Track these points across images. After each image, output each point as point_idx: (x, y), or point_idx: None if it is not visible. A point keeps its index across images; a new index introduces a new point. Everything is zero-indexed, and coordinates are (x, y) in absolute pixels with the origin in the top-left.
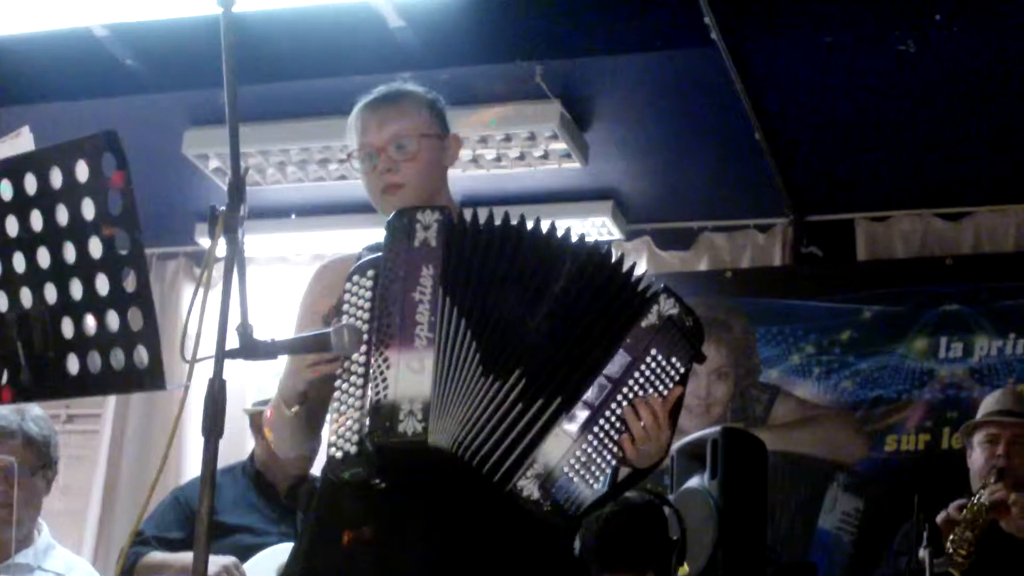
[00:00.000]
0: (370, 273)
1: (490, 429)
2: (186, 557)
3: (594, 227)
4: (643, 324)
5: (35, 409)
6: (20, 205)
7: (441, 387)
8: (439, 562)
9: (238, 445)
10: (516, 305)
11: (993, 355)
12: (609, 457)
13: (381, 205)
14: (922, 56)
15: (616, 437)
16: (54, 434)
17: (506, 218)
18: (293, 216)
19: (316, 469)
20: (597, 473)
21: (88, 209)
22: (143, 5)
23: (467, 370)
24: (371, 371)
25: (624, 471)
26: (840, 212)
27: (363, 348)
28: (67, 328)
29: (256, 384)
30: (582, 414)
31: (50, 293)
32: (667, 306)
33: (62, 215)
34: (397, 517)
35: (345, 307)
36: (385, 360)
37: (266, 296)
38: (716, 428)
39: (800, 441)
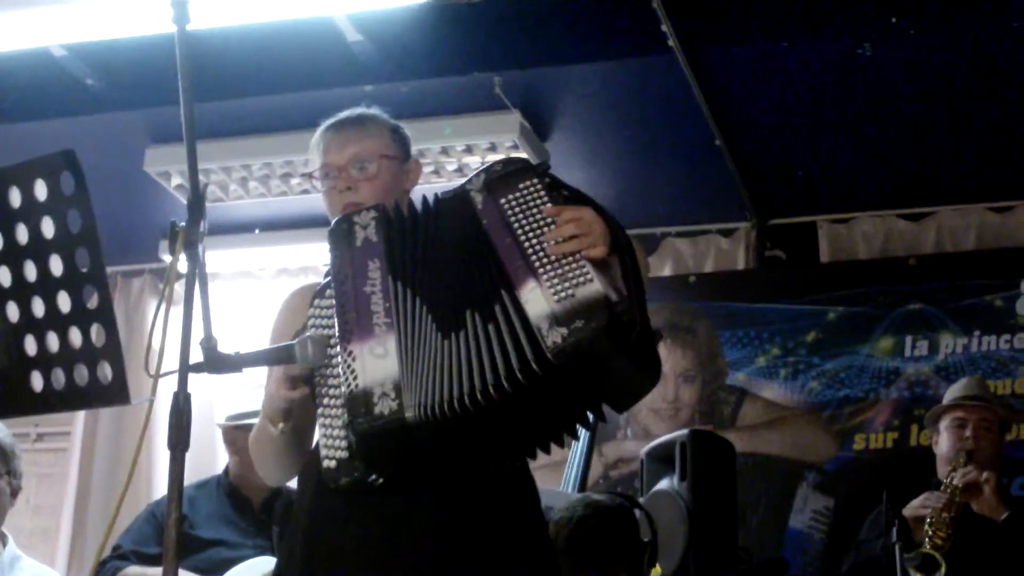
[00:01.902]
0: (328, 293)
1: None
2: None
3: None
4: (480, 207)
5: None
6: None
7: (408, 364)
8: (442, 557)
9: (208, 459)
10: (440, 266)
11: (958, 353)
12: (571, 262)
13: None
14: (879, 59)
15: (555, 248)
16: (15, 444)
17: (436, 195)
18: (257, 231)
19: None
20: (579, 273)
21: (48, 228)
22: (101, 24)
23: (428, 340)
24: (341, 370)
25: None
26: (802, 215)
27: (333, 358)
28: (30, 346)
29: (229, 399)
30: (524, 271)
31: (12, 311)
32: (478, 180)
33: (22, 234)
34: (394, 518)
35: (311, 330)
36: (350, 354)
37: (232, 311)
38: (684, 431)
39: (769, 442)
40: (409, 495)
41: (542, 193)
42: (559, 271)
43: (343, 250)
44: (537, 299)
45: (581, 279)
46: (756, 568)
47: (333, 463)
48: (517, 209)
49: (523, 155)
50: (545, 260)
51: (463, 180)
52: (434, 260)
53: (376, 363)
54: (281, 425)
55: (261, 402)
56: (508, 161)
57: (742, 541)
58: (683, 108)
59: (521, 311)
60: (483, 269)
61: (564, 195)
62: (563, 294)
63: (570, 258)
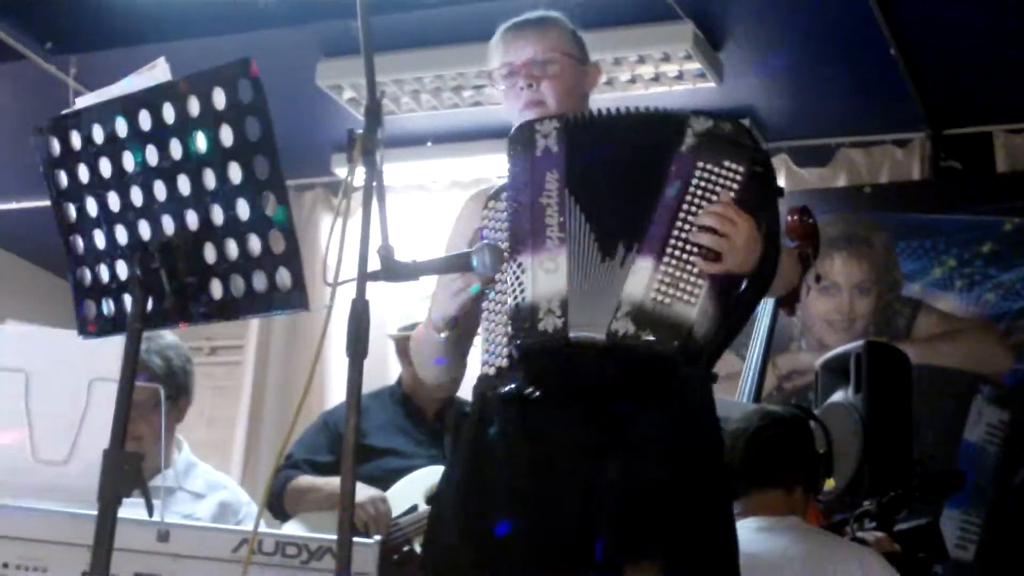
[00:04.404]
0: (503, 196)
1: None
2: (335, 482)
3: None
4: (682, 149)
5: (168, 337)
6: (159, 134)
7: (576, 282)
8: (595, 470)
9: (381, 369)
10: (613, 187)
11: None
12: (694, 270)
13: (520, 121)
14: None
15: (694, 251)
16: (188, 362)
17: (619, 110)
18: (429, 144)
19: (463, 391)
20: (690, 288)
21: (227, 136)
22: None
23: (592, 260)
24: (509, 280)
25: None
26: (978, 125)
27: (505, 266)
28: (209, 253)
29: (401, 310)
30: (653, 245)
31: (191, 219)
32: (699, 124)
33: (201, 142)
34: (551, 434)
35: (484, 232)
36: (520, 266)
37: (405, 224)
38: (859, 342)
39: (944, 354)
40: (569, 409)
41: (736, 186)
42: (678, 271)
43: (522, 158)
44: (641, 279)
45: (686, 295)
46: (933, 479)
47: (492, 370)
48: (704, 183)
49: (697, 65)
50: (678, 249)
51: (645, 91)
52: (609, 171)
53: (546, 278)
54: (445, 333)
55: (428, 308)
56: (739, 130)
57: (916, 453)
58: (857, 17)
59: (624, 276)
60: (638, 207)
61: (753, 200)
62: (661, 296)
63: (696, 266)
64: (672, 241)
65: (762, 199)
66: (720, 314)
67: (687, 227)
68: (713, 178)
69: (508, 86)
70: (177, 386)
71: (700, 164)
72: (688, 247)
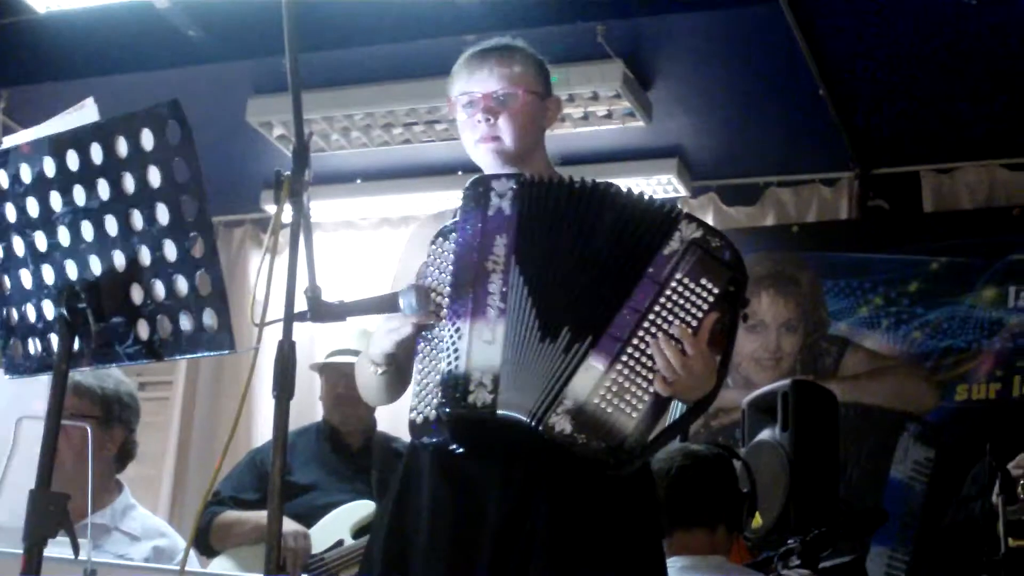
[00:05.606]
0: (452, 236)
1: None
2: (259, 515)
3: (659, 185)
4: (664, 251)
5: (114, 369)
6: (87, 175)
7: (509, 357)
8: (514, 527)
9: (308, 406)
10: (569, 267)
11: None
12: (643, 383)
13: (474, 154)
14: (984, 6)
15: (648, 364)
16: (127, 395)
17: (584, 185)
18: (358, 181)
19: (383, 424)
20: (634, 401)
21: (154, 177)
22: None
23: (529, 338)
24: (445, 342)
25: (680, 407)
26: (905, 165)
27: (444, 314)
28: (136, 294)
29: (328, 336)
30: (610, 347)
31: (118, 260)
32: (689, 231)
33: (128, 183)
34: (474, 481)
35: (429, 270)
36: (457, 331)
37: (334, 261)
38: (786, 381)
39: (870, 392)
40: (494, 462)
41: (706, 307)
42: (628, 381)
43: (473, 215)
44: (590, 378)
45: (628, 408)
46: (855, 516)
47: (420, 418)
48: (676, 296)
49: (626, 104)
50: (633, 358)
51: (574, 130)
52: (568, 248)
53: (481, 349)
54: (383, 370)
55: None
56: (725, 246)
57: (842, 492)
58: (786, 58)
59: (573, 371)
60: (602, 299)
61: (724, 322)
62: (603, 402)
63: (645, 380)
64: (630, 350)
65: (725, 326)
66: (652, 428)
67: (648, 338)
68: (687, 294)
69: (466, 116)
70: (107, 408)
71: (679, 276)
72: (644, 359)
